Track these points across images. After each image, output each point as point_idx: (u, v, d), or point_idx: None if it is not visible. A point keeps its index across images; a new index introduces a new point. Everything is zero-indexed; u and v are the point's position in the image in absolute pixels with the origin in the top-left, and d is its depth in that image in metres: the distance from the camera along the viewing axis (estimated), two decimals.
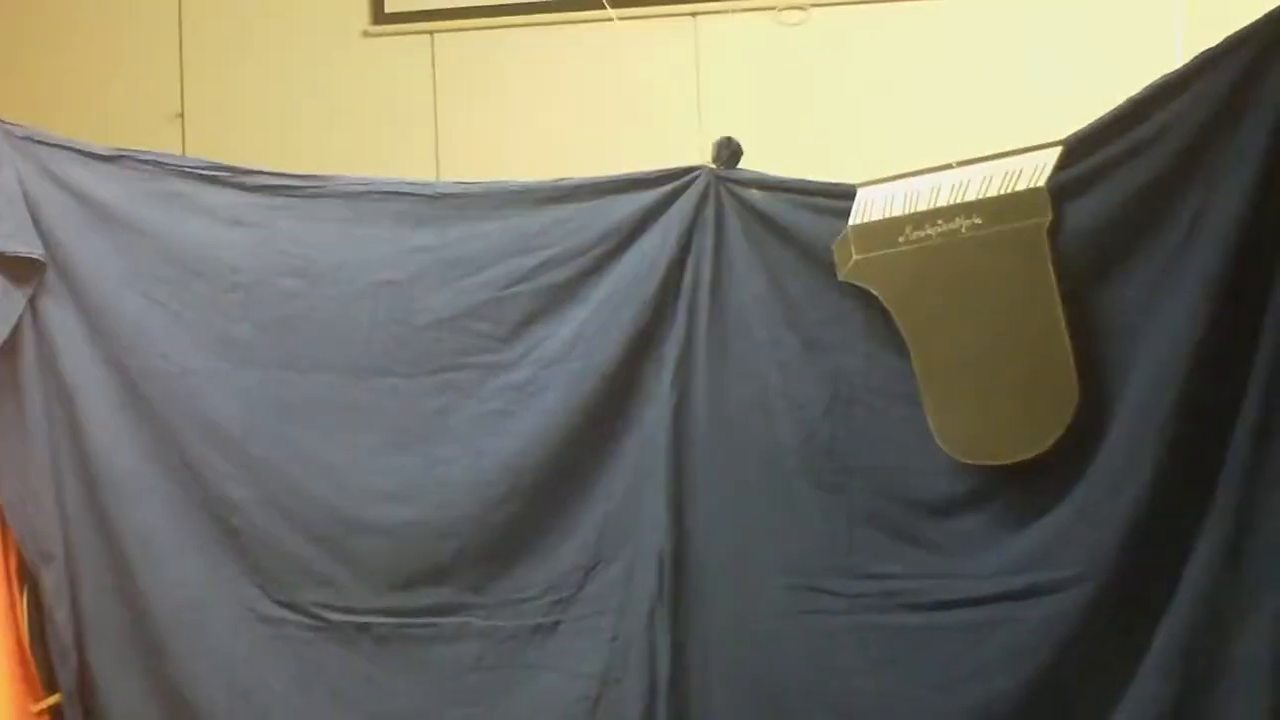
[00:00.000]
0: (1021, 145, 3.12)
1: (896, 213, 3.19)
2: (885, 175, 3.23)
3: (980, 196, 3.12)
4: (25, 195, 3.36)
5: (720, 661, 3.26)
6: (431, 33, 4.58)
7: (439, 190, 3.51)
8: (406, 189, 3.49)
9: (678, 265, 3.33)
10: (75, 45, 4.69)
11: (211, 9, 4.67)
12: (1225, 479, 2.91)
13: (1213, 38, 2.97)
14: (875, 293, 3.20)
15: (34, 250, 3.34)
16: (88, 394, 3.39)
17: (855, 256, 3.21)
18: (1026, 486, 3.08)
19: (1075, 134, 3.08)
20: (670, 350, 3.32)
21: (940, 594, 3.15)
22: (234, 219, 3.46)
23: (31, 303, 3.35)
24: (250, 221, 3.47)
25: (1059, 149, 3.07)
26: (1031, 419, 3.05)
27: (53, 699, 3.34)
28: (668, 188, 3.36)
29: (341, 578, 3.38)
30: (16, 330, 3.33)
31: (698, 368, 3.30)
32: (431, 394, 3.40)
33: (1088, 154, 3.06)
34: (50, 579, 3.35)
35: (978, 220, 3.12)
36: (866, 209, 3.22)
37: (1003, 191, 3.10)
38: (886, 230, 3.19)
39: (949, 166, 3.18)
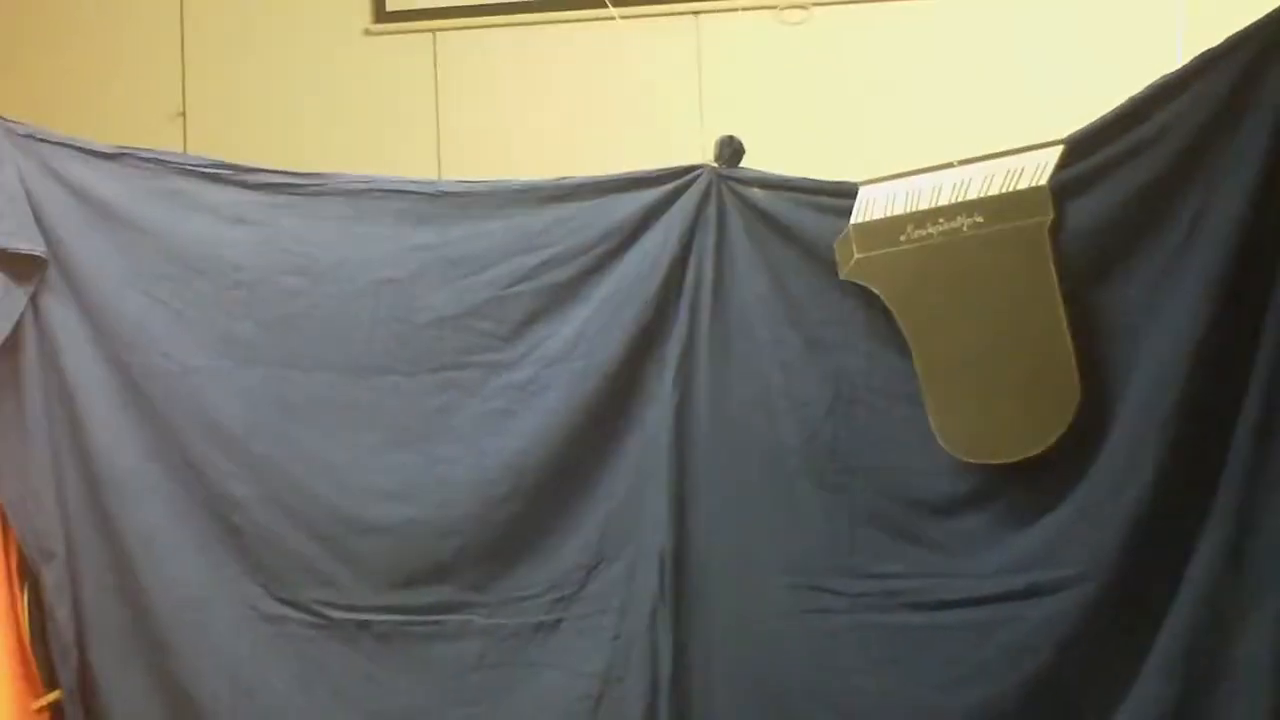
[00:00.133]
0: (1023, 144, 3.11)
1: (898, 211, 3.19)
2: (887, 174, 3.23)
3: (982, 195, 3.12)
4: (27, 193, 3.36)
5: (722, 661, 3.26)
6: (433, 31, 4.57)
7: (440, 189, 3.52)
8: (408, 187, 3.49)
9: (680, 264, 3.33)
10: (77, 43, 4.69)
11: (213, 7, 4.67)
12: (1227, 479, 2.90)
13: (1213, 38, 2.97)
14: (877, 291, 3.20)
15: (36, 248, 3.34)
16: (89, 392, 3.38)
17: (857, 255, 3.21)
18: (1028, 486, 3.08)
19: (1077, 133, 3.08)
20: (672, 349, 3.32)
21: (942, 593, 3.15)
22: (236, 217, 3.46)
23: (33, 301, 3.35)
24: (252, 220, 3.47)
25: (1061, 148, 3.07)
26: (1033, 418, 3.05)
27: (52, 696, 3.34)
28: (670, 186, 3.37)
29: (343, 576, 3.38)
30: (18, 328, 3.33)
31: (700, 367, 3.30)
32: (433, 393, 3.40)
33: (1089, 153, 3.06)
34: (51, 577, 3.34)
35: (979, 219, 3.12)
36: (868, 208, 3.22)
37: (1004, 190, 3.10)
38: (888, 229, 3.19)
39: (951, 165, 3.18)
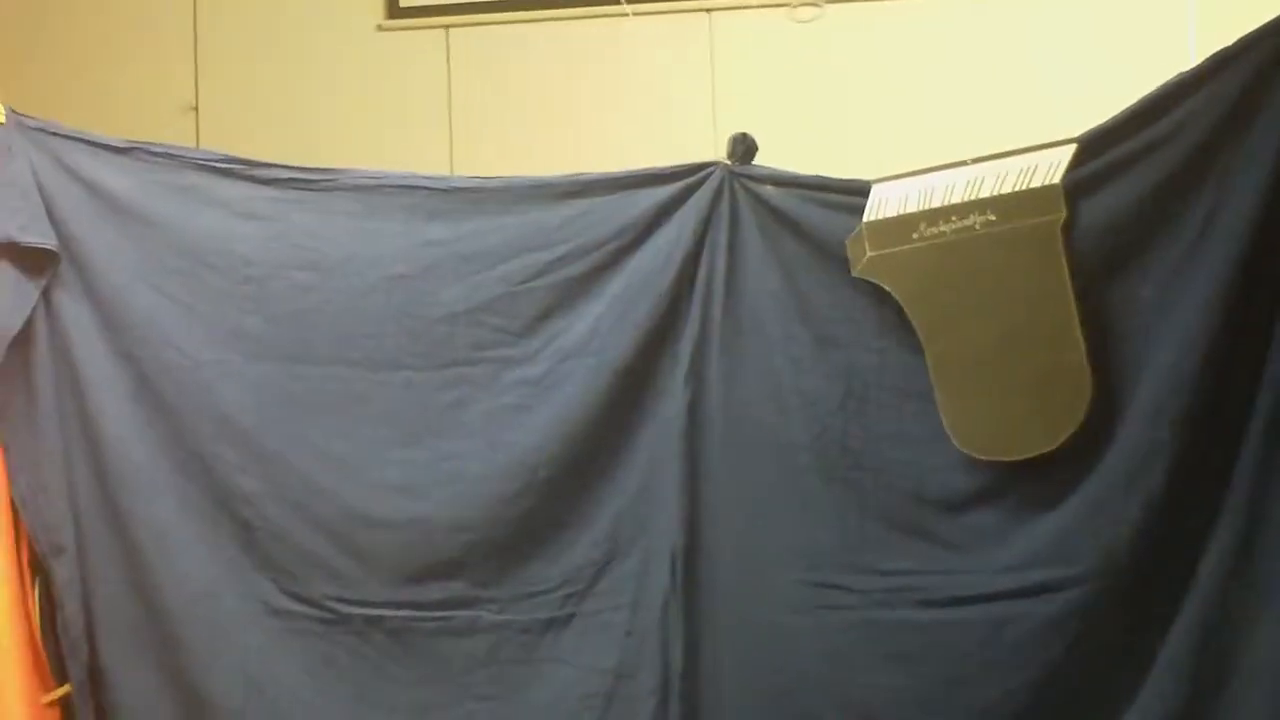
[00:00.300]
0: (1036, 142, 3.11)
1: (911, 209, 3.19)
2: (900, 171, 3.23)
3: (995, 193, 3.12)
4: (39, 187, 3.35)
5: (733, 656, 3.26)
6: (446, 27, 4.58)
7: (453, 184, 3.52)
8: (420, 183, 3.49)
9: (692, 261, 3.33)
10: (89, 38, 4.70)
11: (226, 2, 4.68)
12: (1238, 477, 2.91)
13: (1227, 37, 2.97)
14: (889, 289, 3.20)
15: (48, 241, 3.33)
16: (100, 386, 3.38)
17: (869, 253, 3.21)
18: (1039, 483, 3.08)
19: (1090, 131, 3.08)
20: (685, 346, 3.32)
21: (952, 590, 3.15)
22: (247, 212, 3.46)
23: (45, 295, 3.34)
24: (263, 215, 3.46)
25: (1073, 146, 3.07)
26: (1045, 416, 3.05)
27: (62, 690, 3.34)
28: (682, 183, 3.37)
29: (354, 571, 3.37)
30: (30, 322, 3.32)
31: (712, 363, 3.30)
32: (445, 388, 3.40)
33: (1102, 151, 3.06)
34: (61, 571, 3.34)
35: (992, 217, 3.12)
36: (881, 205, 3.22)
37: (1017, 188, 3.10)
38: (901, 227, 3.19)
39: (963, 163, 3.18)
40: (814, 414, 3.26)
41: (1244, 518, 2.90)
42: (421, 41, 4.59)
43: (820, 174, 3.33)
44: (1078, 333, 3.01)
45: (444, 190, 3.48)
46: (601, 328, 3.35)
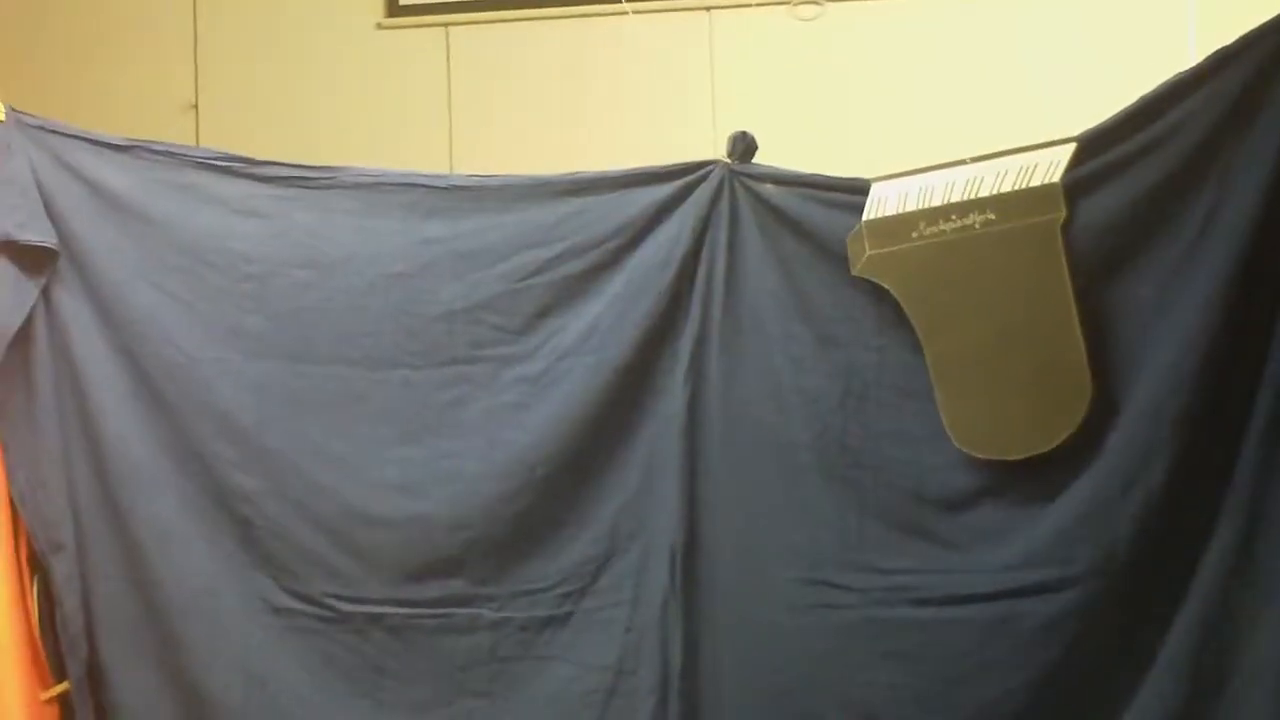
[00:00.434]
0: (1036, 141, 3.11)
1: (910, 208, 3.19)
2: (899, 170, 3.23)
3: (994, 192, 3.12)
4: (38, 184, 3.35)
5: (732, 654, 3.26)
6: (446, 25, 4.59)
7: (452, 182, 3.51)
8: (419, 181, 3.48)
9: (692, 259, 3.32)
10: (89, 36, 4.71)
11: (226, 1, 4.68)
12: (1238, 476, 2.91)
13: (1227, 36, 2.97)
14: (888, 288, 3.19)
15: (47, 239, 3.33)
16: (99, 384, 3.37)
17: (869, 251, 3.21)
18: (1038, 482, 3.08)
19: (1089, 131, 3.08)
20: (684, 344, 3.31)
21: (951, 589, 3.15)
22: (247, 210, 3.46)
23: (44, 292, 3.34)
24: (263, 213, 3.46)
25: (1073, 145, 3.07)
26: (1044, 415, 3.05)
27: (61, 687, 3.34)
28: (682, 182, 3.36)
29: (353, 569, 3.37)
30: (29, 320, 3.31)
31: (711, 361, 3.30)
32: (444, 386, 3.40)
33: (1102, 150, 3.06)
34: (60, 568, 3.33)
35: (992, 216, 3.12)
36: (880, 204, 3.22)
37: (1017, 187, 3.10)
38: (900, 225, 3.19)
39: (963, 162, 3.18)
40: (814, 412, 3.25)
41: (1244, 516, 2.90)
42: (421, 40, 4.59)
43: (820, 172, 3.33)
44: (1077, 332, 3.01)
45: (443, 188, 3.48)
46: (601, 326, 3.34)
